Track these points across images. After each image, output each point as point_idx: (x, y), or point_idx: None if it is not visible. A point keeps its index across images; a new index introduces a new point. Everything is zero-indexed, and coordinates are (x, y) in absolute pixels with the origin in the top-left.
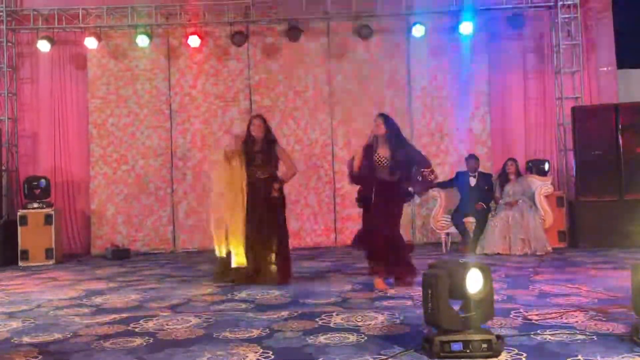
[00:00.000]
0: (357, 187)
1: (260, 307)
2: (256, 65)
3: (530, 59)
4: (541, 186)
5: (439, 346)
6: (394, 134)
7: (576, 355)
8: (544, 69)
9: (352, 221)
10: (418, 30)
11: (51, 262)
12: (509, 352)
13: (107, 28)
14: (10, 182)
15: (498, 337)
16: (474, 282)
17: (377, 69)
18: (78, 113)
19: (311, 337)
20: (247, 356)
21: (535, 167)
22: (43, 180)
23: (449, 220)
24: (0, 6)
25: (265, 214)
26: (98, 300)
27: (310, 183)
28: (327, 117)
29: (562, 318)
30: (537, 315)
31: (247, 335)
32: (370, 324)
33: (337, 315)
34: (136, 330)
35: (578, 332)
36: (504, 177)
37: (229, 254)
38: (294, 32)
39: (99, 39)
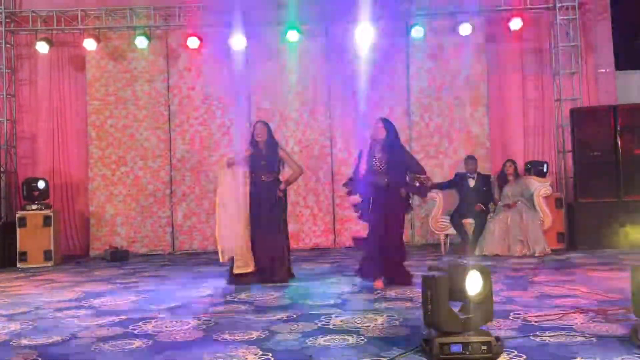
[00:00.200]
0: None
1: (260, 309)
2: (255, 67)
3: (529, 61)
4: (540, 187)
5: (438, 348)
6: (392, 139)
7: (575, 357)
8: (543, 71)
9: (351, 222)
10: (417, 32)
11: (50, 263)
12: (509, 354)
13: (105, 29)
14: (8, 184)
15: (497, 338)
16: (473, 283)
17: (376, 71)
18: (77, 114)
19: (310, 339)
20: (246, 358)
21: (534, 168)
22: (42, 182)
23: (448, 221)
24: None
25: (269, 216)
26: (97, 302)
27: (309, 184)
28: (326, 119)
29: (561, 319)
30: (536, 316)
31: (247, 337)
32: (369, 326)
33: (336, 317)
34: (135, 332)
35: (577, 333)
36: (502, 179)
37: (231, 259)
38: (292, 34)
39: (97, 40)
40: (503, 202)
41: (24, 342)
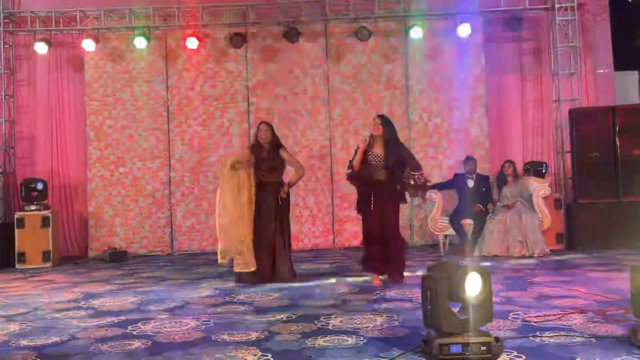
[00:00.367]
0: (356, 190)
1: (259, 310)
2: (254, 67)
3: (527, 61)
4: (539, 188)
5: (438, 348)
6: (390, 135)
7: (575, 358)
8: (542, 71)
9: (351, 223)
10: (416, 32)
11: (48, 264)
12: (508, 355)
13: (104, 30)
14: (7, 184)
15: (497, 339)
16: (473, 285)
17: (375, 71)
18: (75, 115)
19: (310, 339)
20: (246, 359)
21: (533, 169)
22: (40, 183)
23: (447, 222)
24: None
25: (273, 216)
26: (96, 303)
27: (308, 185)
28: (325, 119)
29: (560, 320)
30: (535, 317)
31: (246, 338)
32: (369, 327)
33: (335, 317)
34: (134, 333)
35: (577, 334)
36: (501, 179)
37: (231, 261)
38: (292, 34)
39: (96, 41)
40: (502, 202)
41: (23, 342)
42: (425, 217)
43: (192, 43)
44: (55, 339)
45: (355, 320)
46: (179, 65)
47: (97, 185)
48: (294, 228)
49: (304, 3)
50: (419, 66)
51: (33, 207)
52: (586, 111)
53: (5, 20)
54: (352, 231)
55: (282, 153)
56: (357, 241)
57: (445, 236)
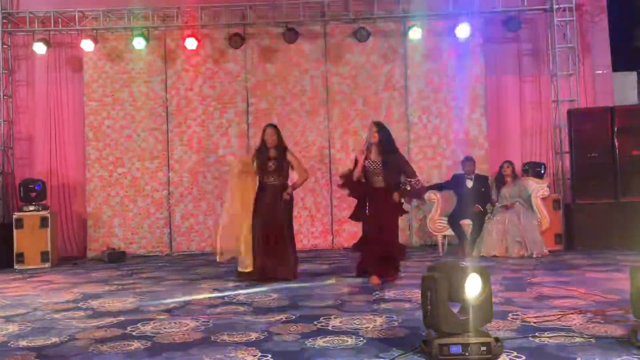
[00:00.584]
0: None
1: (258, 310)
2: (253, 68)
3: (526, 62)
4: (537, 189)
5: (438, 349)
6: (386, 142)
7: (575, 358)
8: (540, 72)
9: (349, 224)
10: (415, 33)
11: (47, 265)
12: (508, 355)
13: (103, 30)
14: (5, 185)
15: (497, 339)
16: (473, 285)
17: (374, 72)
18: (74, 115)
19: (310, 340)
20: (245, 359)
21: (532, 169)
22: (39, 183)
23: (446, 222)
24: None
25: (275, 218)
26: (95, 303)
27: (307, 185)
28: (324, 120)
29: (560, 320)
30: (535, 317)
31: (245, 339)
32: (368, 327)
33: (335, 318)
34: (133, 333)
35: (576, 334)
36: (500, 180)
37: (231, 260)
38: (290, 35)
39: (95, 41)
40: (501, 203)
41: (22, 343)
42: (424, 217)
43: (191, 43)
44: (54, 339)
45: (354, 321)
46: (177, 65)
47: (96, 185)
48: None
49: (303, 4)
50: (418, 67)
51: (32, 208)
52: (585, 112)
53: (4, 21)
54: (351, 232)
55: (289, 156)
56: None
57: (444, 236)
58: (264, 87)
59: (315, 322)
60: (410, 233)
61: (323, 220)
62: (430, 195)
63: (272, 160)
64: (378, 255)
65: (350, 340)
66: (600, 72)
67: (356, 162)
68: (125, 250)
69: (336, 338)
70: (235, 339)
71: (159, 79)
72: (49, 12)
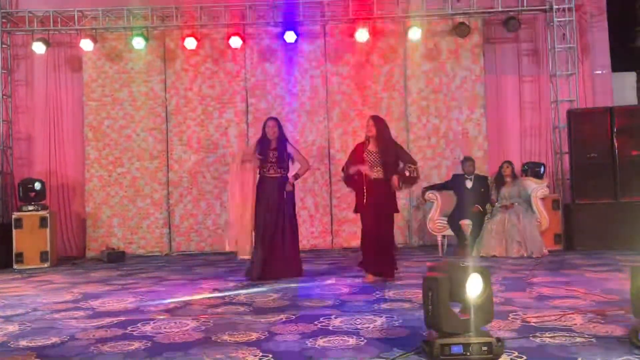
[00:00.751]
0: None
1: (258, 310)
2: (252, 68)
3: (525, 62)
4: (537, 189)
5: (439, 349)
6: (383, 134)
7: (576, 358)
8: (539, 72)
9: (349, 224)
10: (414, 33)
11: (46, 265)
12: (509, 355)
13: (102, 30)
14: (5, 185)
15: (498, 339)
16: (474, 285)
17: (374, 72)
18: (73, 115)
19: (310, 340)
20: (246, 359)
21: (531, 169)
22: (38, 183)
23: (446, 222)
24: None
25: (278, 211)
26: (94, 303)
27: (306, 185)
28: (324, 120)
29: (560, 320)
30: (535, 317)
31: (246, 339)
32: (369, 327)
33: (335, 318)
34: (134, 333)
35: (577, 334)
36: (500, 180)
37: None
38: (290, 35)
39: (94, 41)
40: (500, 203)
41: (23, 343)
42: (423, 217)
43: (190, 43)
44: (54, 339)
45: (355, 321)
46: (177, 65)
47: (95, 185)
48: None
49: (302, 3)
50: (418, 67)
51: (31, 208)
52: (584, 112)
53: (3, 20)
54: (351, 232)
55: (289, 147)
56: (355, 242)
57: (444, 237)
58: (263, 87)
59: (315, 322)
60: (410, 233)
61: (322, 220)
62: (429, 195)
63: (273, 151)
64: (375, 252)
65: (351, 340)
66: (600, 72)
67: (352, 155)
68: (124, 250)
69: (337, 338)
70: (236, 339)
71: (159, 78)
72: (48, 11)
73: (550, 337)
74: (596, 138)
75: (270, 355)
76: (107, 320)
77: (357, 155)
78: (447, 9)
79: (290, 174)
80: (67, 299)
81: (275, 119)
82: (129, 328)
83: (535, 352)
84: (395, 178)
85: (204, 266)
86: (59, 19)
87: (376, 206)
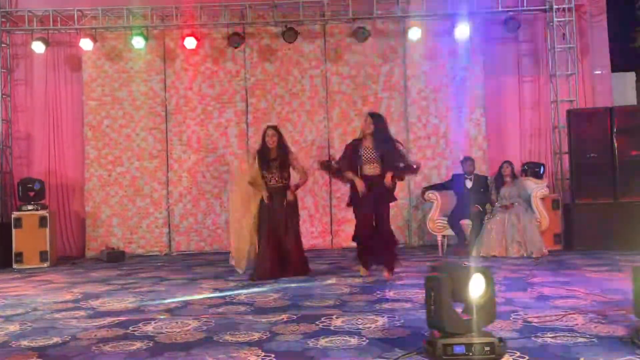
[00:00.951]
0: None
1: (259, 310)
2: (252, 67)
3: (525, 62)
4: (537, 189)
5: (441, 349)
6: (381, 131)
7: (578, 358)
8: (539, 72)
9: (349, 223)
10: (414, 33)
11: (46, 264)
12: (511, 355)
13: (102, 29)
14: (4, 184)
15: (500, 339)
16: (476, 285)
17: (373, 72)
18: (73, 115)
19: (312, 340)
20: (249, 359)
21: (531, 169)
22: (37, 182)
23: (446, 222)
24: None
25: (280, 221)
26: (95, 303)
27: (306, 185)
28: (324, 120)
29: (562, 320)
30: (537, 317)
31: (248, 339)
32: (370, 327)
33: (337, 318)
34: (135, 333)
35: (578, 334)
36: (499, 180)
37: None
38: (290, 34)
39: (94, 40)
40: (500, 203)
41: (24, 343)
42: (423, 217)
43: (190, 43)
44: (56, 339)
45: (356, 321)
46: (177, 65)
47: (95, 185)
48: None
49: (302, 3)
50: (417, 67)
51: (30, 207)
52: (584, 112)
53: (3, 19)
54: (350, 232)
55: (290, 158)
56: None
57: (444, 236)
58: (263, 87)
59: (317, 322)
60: (410, 233)
61: (322, 220)
62: (429, 195)
63: (273, 161)
64: (373, 245)
65: (353, 341)
66: (599, 72)
67: (345, 153)
68: (124, 249)
69: (339, 338)
70: (238, 339)
71: (158, 78)
72: (47, 10)
73: (552, 338)
74: (596, 138)
75: (273, 355)
76: (108, 320)
77: (352, 153)
78: (447, 8)
79: (292, 182)
80: (67, 298)
81: (275, 127)
82: (130, 328)
83: (537, 352)
84: (388, 176)
85: (203, 266)
86: (58, 19)
87: (373, 201)
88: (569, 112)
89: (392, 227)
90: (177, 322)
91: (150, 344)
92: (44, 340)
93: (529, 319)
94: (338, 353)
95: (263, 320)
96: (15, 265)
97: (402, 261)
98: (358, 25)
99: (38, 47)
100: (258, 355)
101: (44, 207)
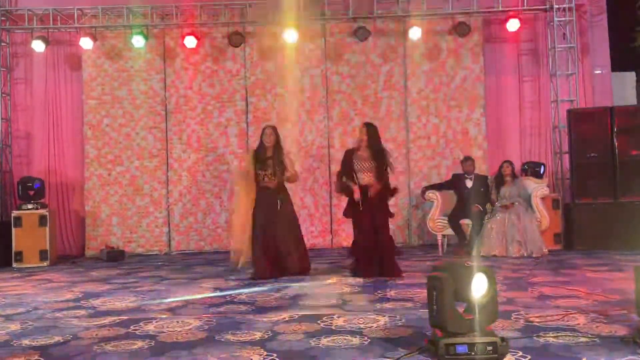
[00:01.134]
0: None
1: (260, 309)
2: (252, 67)
3: (525, 62)
4: (537, 188)
5: (444, 348)
6: (375, 141)
7: (580, 358)
8: (539, 72)
9: (348, 223)
10: (414, 33)
11: (45, 263)
12: (514, 355)
13: (102, 28)
14: (4, 183)
15: (503, 339)
16: (479, 285)
17: (374, 71)
18: (73, 114)
19: (314, 339)
20: (251, 359)
21: (531, 169)
22: (37, 181)
23: (446, 221)
24: None
25: (274, 218)
26: (96, 302)
27: (306, 185)
28: (324, 119)
29: (563, 320)
30: (538, 317)
31: (250, 338)
32: (372, 326)
33: (338, 317)
34: (137, 332)
35: (580, 334)
36: (500, 180)
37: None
38: (291, 33)
39: (94, 39)
40: (500, 203)
41: (25, 342)
42: (423, 217)
43: (190, 42)
44: (57, 338)
45: (358, 320)
46: (177, 64)
47: (95, 184)
48: None
49: (302, 2)
50: (418, 66)
51: (30, 206)
52: (584, 112)
53: (2, 18)
54: (350, 231)
55: (284, 158)
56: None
57: (444, 236)
58: (263, 86)
59: (318, 322)
60: (410, 232)
61: (322, 219)
62: (429, 194)
63: (269, 159)
64: (373, 257)
65: (355, 340)
66: (600, 72)
67: (344, 162)
68: (123, 249)
69: (341, 337)
70: (240, 338)
71: (158, 77)
72: (47, 9)
73: (554, 337)
74: (596, 138)
75: (275, 355)
76: (109, 319)
77: (348, 164)
78: (447, 8)
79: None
80: (67, 297)
81: (273, 127)
82: (131, 327)
83: (539, 352)
84: (376, 184)
85: (203, 265)
86: (58, 17)
87: (371, 213)
88: (569, 111)
89: (392, 227)
90: (178, 322)
91: (152, 343)
92: (46, 339)
93: (531, 319)
94: (340, 352)
95: (264, 319)
96: (15, 264)
97: (402, 261)
98: (358, 24)
99: (38, 45)
100: (260, 355)
101: (43, 206)
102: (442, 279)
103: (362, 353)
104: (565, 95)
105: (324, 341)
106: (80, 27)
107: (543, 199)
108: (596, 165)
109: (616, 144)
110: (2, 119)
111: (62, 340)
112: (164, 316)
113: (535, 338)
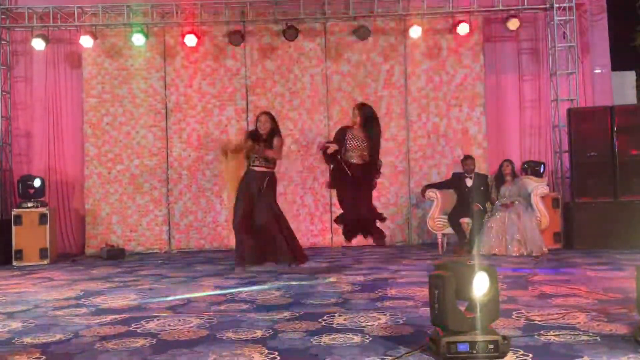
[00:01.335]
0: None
1: (261, 308)
2: (253, 65)
3: (525, 61)
4: (537, 187)
5: (445, 347)
6: (369, 121)
7: (582, 356)
8: (540, 71)
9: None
10: (415, 31)
11: (45, 262)
12: (515, 353)
13: (102, 27)
14: (4, 182)
15: (504, 337)
16: (480, 283)
17: (374, 70)
18: (73, 112)
19: (315, 337)
20: (252, 357)
21: (531, 168)
22: (37, 180)
23: (446, 220)
24: None
25: (256, 201)
26: (96, 300)
27: (306, 183)
28: (324, 118)
29: (564, 319)
30: (539, 316)
31: (251, 336)
32: (373, 325)
33: (339, 315)
34: (138, 330)
35: (581, 332)
36: (500, 179)
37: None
38: (291, 32)
39: (94, 37)
40: (500, 202)
41: (27, 340)
42: (423, 216)
43: (190, 40)
44: (58, 336)
45: (359, 319)
46: (177, 62)
47: (95, 182)
48: (292, 226)
49: (303, 1)
50: (418, 65)
51: (30, 204)
52: (584, 111)
53: (2, 16)
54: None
55: (274, 140)
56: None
57: (444, 235)
58: (263, 85)
59: (319, 320)
60: (410, 231)
61: (322, 218)
62: (429, 193)
63: (261, 144)
64: (357, 219)
65: (356, 338)
66: (600, 71)
67: (336, 138)
68: (124, 247)
69: (342, 336)
70: (241, 337)
71: (158, 75)
72: (47, 7)
73: (555, 336)
74: (596, 137)
75: (277, 353)
76: (111, 317)
77: (339, 141)
78: (447, 7)
79: (274, 169)
80: (68, 295)
81: (268, 114)
82: (132, 325)
83: (540, 350)
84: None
85: (204, 263)
86: (58, 15)
87: (352, 189)
88: (569, 110)
89: (392, 225)
90: (179, 320)
91: (154, 341)
92: (47, 337)
93: (531, 317)
94: (342, 351)
95: (265, 317)
96: (15, 263)
97: (401, 259)
98: (359, 23)
99: (38, 44)
100: (262, 353)
101: (43, 205)
102: (444, 277)
103: (363, 351)
104: (565, 95)
105: (325, 339)
106: (80, 25)
107: (543, 198)
108: (596, 164)
109: (616, 143)
110: (2, 117)
111: (63, 338)
112: (165, 314)
113: (536, 337)
